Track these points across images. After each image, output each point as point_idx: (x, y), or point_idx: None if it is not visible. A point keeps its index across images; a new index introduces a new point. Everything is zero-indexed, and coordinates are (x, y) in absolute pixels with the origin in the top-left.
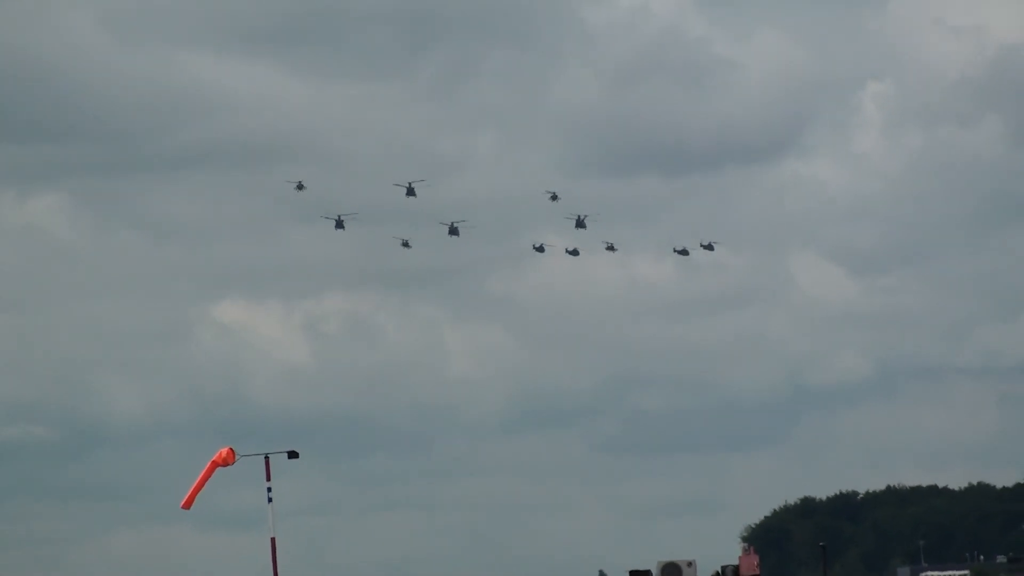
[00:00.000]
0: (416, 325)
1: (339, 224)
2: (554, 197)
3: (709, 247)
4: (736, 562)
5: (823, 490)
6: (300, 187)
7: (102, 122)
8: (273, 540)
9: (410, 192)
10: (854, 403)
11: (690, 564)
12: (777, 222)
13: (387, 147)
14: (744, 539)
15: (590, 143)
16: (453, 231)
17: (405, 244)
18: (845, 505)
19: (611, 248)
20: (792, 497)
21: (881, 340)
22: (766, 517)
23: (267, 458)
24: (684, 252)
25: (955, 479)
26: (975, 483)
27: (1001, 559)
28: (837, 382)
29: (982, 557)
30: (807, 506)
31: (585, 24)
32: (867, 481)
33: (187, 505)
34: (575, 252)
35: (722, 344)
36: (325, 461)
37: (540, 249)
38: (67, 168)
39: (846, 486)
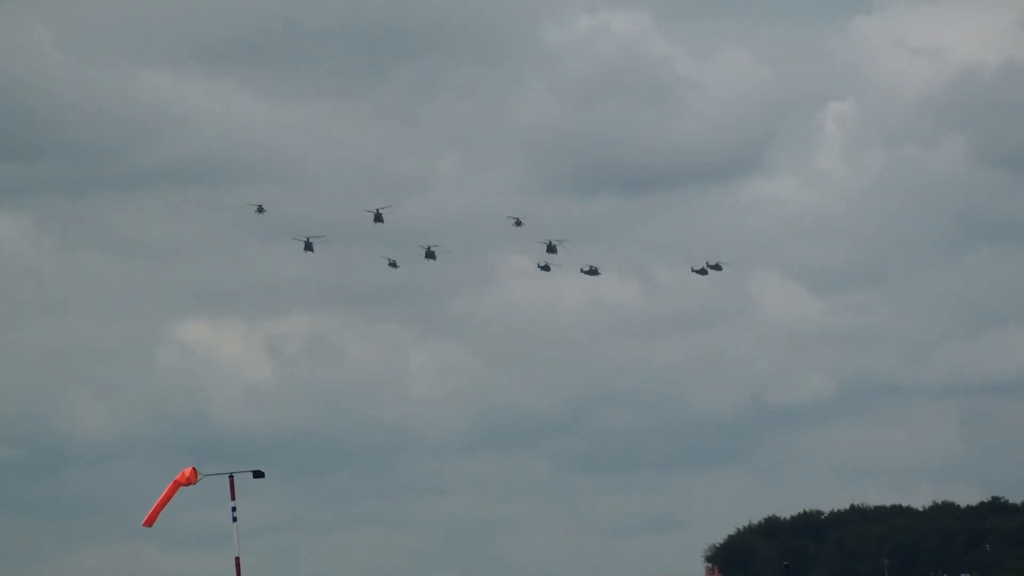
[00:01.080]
0: (379, 344)
1: (308, 246)
2: (518, 223)
3: (717, 267)
4: None
5: (787, 509)
6: (260, 210)
7: (65, 142)
8: (238, 559)
9: (378, 218)
10: (818, 422)
11: None
12: (740, 242)
13: (349, 166)
14: (708, 558)
15: (552, 162)
16: (430, 255)
17: (392, 264)
18: (809, 524)
19: (593, 272)
20: (756, 516)
21: (845, 359)
22: (730, 536)
23: (231, 477)
24: (703, 271)
25: (919, 498)
26: (939, 502)
27: None
28: (801, 401)
29: (946, 575)
30: (771, 525)
31: (547, 44)
32: (832, 500)
33: (149, 523)
34: (546, 267)
35: (686, 363)
36: (289, 480)
37: (546, 268)
38: (30, 187)
39: (810, 505)
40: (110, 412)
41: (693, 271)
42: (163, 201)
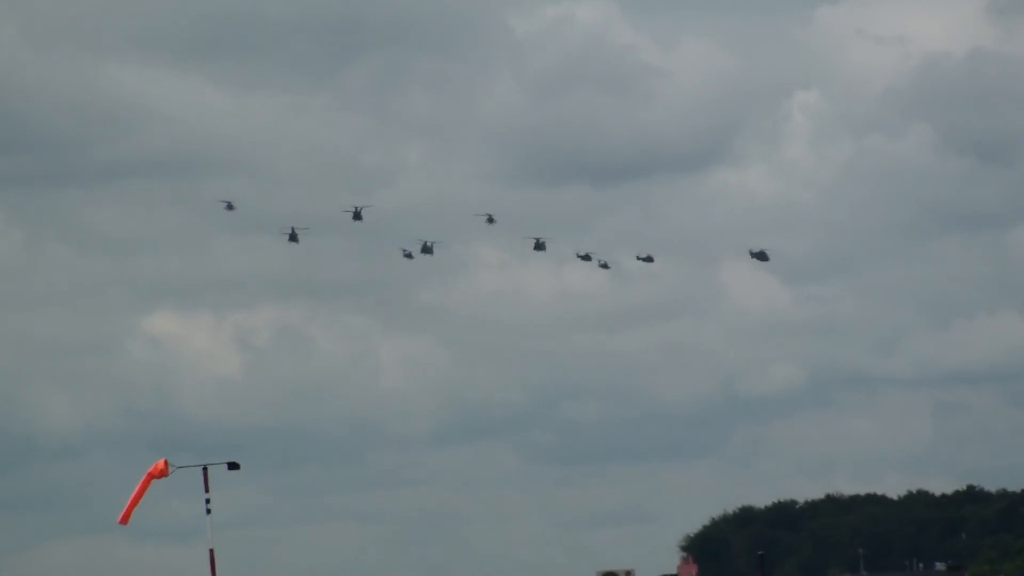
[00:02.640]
0: (347, 336)
1: (293, 237)
2: (490, 220)
3: (648, 259)
4: (675, 571)
5: (761, 499)
6: (229, 207)
7: (29, 135)
8: (212, 551)
9: (357, 216)
10: (789, 412)
11: (628, 573)
12: (708, 231)
13: (316, 158)
14: (683, 549)
15: (520, 153)
16: (427, 250)
17: (408, 255)
18: (784, 514)
19: (586, 257)
20: (730, 506)
21: (814, 349)
22: (704, 526)
23: (205, 469)
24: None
25: (891, 487)
26: (914, 491)
27: (940, 566)
28: (771, 391)
29: (921, 565)
30: (746, 515)
31: (513, 33)
32: (806, 490)
33: (124, 520)
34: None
35: (655, 354)
36: (258, 472)
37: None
38: None
39: (784, 495)
40: (77, 406)
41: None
42: (130, 194)
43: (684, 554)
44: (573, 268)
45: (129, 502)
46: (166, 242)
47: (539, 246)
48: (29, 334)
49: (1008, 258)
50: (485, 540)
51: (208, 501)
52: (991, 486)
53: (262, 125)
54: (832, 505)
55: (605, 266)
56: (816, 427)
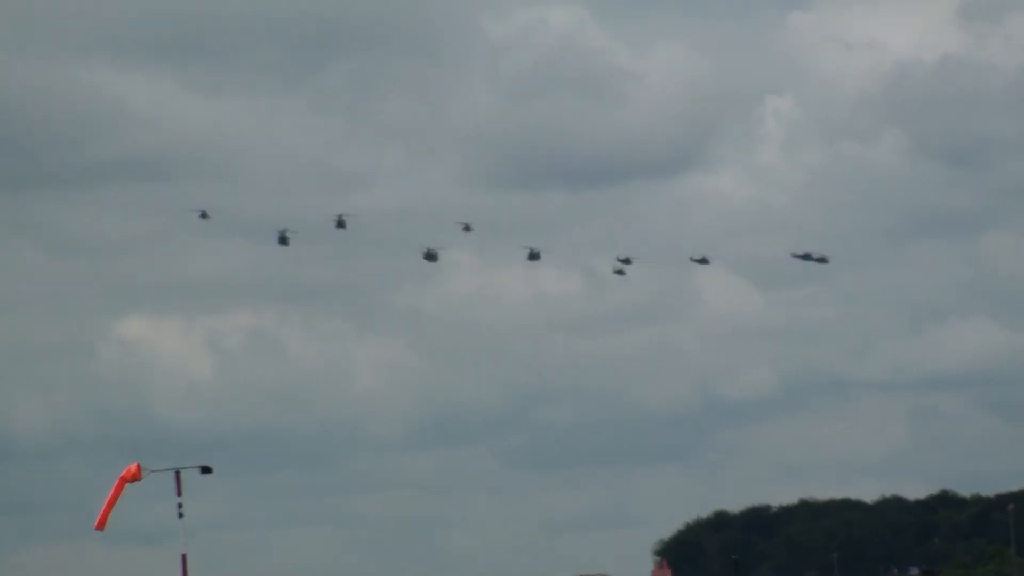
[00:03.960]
0: (321, 340)
1: (283, 240)
2: (467, 228)
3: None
4: None
5: (736, 504)
6: (204, 216)
7: (1, 137)
8: (184, 556)
9: (340, 225)
10: (763, 417)
11: None
12: (683, 235)
13: (290, 162)
14: (657, 553)
15: (495, 156)
16: (431, 256)
17: (429, 256)
18: (758, 519)
19: (625, 264)
20: (704, 511)
21: (789, 354)
22: (679, 531)
23: (178, 473)
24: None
25: (865, 492)
26: (888, 496)
27: (914, 571)
28: (746, 396)
29: (895, 569)
30: (720, 520)
31: (487, 36)
32: (780, 495)
33: (100, 526)
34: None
35: (630, 358)
36: (232, 477)
37: (621, 272)
38: None
39: (759, 500)
40: (50, 409)
41: (618, 261)
42: (103, 197)
43: (659, 558)
44: (549, 271)
45: (104, 508)
46: (139, 245)
47: (533, 256)
48: (1, 337)
49: (981, 263)
50: (460, 544)
51: (181, 505)
52: (965, 491)
53: (237, 128)
54: (806, 510)
55: (621, 272)
56: (791, 432)
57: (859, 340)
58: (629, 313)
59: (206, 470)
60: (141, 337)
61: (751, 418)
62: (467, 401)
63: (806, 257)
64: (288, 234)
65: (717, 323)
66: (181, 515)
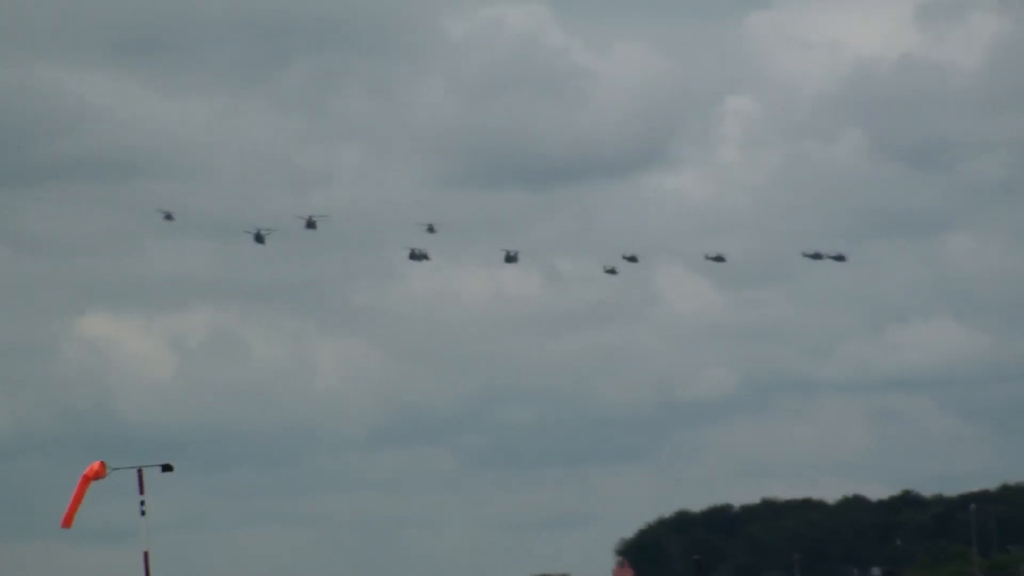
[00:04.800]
0: (281, 339)
1: (258, 239)
2: (431, 229)
3: (633, 259)
4: None
5: (697, 504)
6: (169, 217)
7: None
8: (146, 554)
9: (310, 225)
10: (724, 417)
11: None
12: (643, 235)
13: (251, 160)
14: (618, 553)
15: (455, 155)
16: (419, 256)
17: (415, 256)
18: (720, 519)
19: (632, 259)
20: (666, 511)
21: (749, 354)
22: (640, 531)
23: (140, 471)
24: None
25: (827, 492)
26: (850, 496)
27: (876, 572)
28: (707, 396)
29: (857, 570)
30: (682, 520)
31: (448, 35)
32: (742, 495)
33: (67, 523)
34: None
35: (591, 357)
36: (193, 475)
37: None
38: None
39: (720, 500)
40: (11, 407)
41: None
42: (64, 195)
43: (620, 558)
44: (509, 271)
45: (70, 505)
46: (100, 244)
47: (510, 258)
48: None
49: (942, 263)
50: (421, 543)
51: (143, 503)
52: (927, 492)
53: (197, 127)
54: (768, 510)
55: (613, 271)
56: (752, 432)
57: (820, 340)
58: (590, 312)
59: (167, 468)
60: (102, 335)
61: (712, 418)
62: (428, 400)
63: (816, 256)
64: (264, 232)
65: (678, 323)
66: (143, 513)
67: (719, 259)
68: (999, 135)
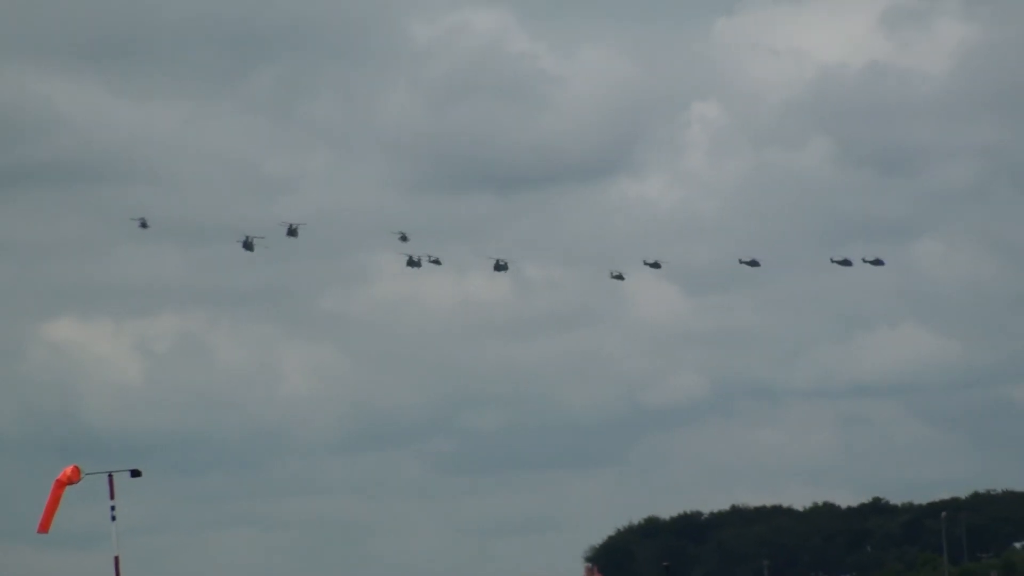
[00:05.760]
0: (249, 344)
1: (247, 246)
2: (403, 238)
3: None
4: None
5: (667, 510)
6: (144, 225)
7: None
8: (117, 558)
9: (292, 233)
10: (693, 423)
11: None
12: (609, 241)
13: (217, 165)
14: (587, 559)
15: (421, 160)
16: (415, 263)
17: (412, 263)
18: (689, 525)
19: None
20: (635, 516)
21: (717, 360)
22: (609, 537)
23: (111, 476)
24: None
25: (796, 499)
26: (820, 503)
27: None
28: (675, 401)
29: None
30: (651, 526)
31: (413, 40)
32: (710, 501)
33: (43, 529)
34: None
35: (559, 363)
36: (161, 480)
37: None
38: None
39: (689, 506)
40: None
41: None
42: (31, 200)
43: (589, 564)
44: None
45: (45, 511)
46: (67, 248)
47: (500, 267)
48: None
49: (909, 270)
50: (388, 549)
51: (113, 508)
52: (897, 499)
53: (164, 131)
54: (738, 516)
55: (620, 276)
56: (721, 438)
57: (788, 346)
58: (557, 318)
59: (135, 474)
60: (69, 340)
61: (681, 424)
62: (395, 406)
63: (753, 263)
64: (252, 240)
65: (645, 328)
66: (114, 518)
67: (753, 263)
68: (966, 142)
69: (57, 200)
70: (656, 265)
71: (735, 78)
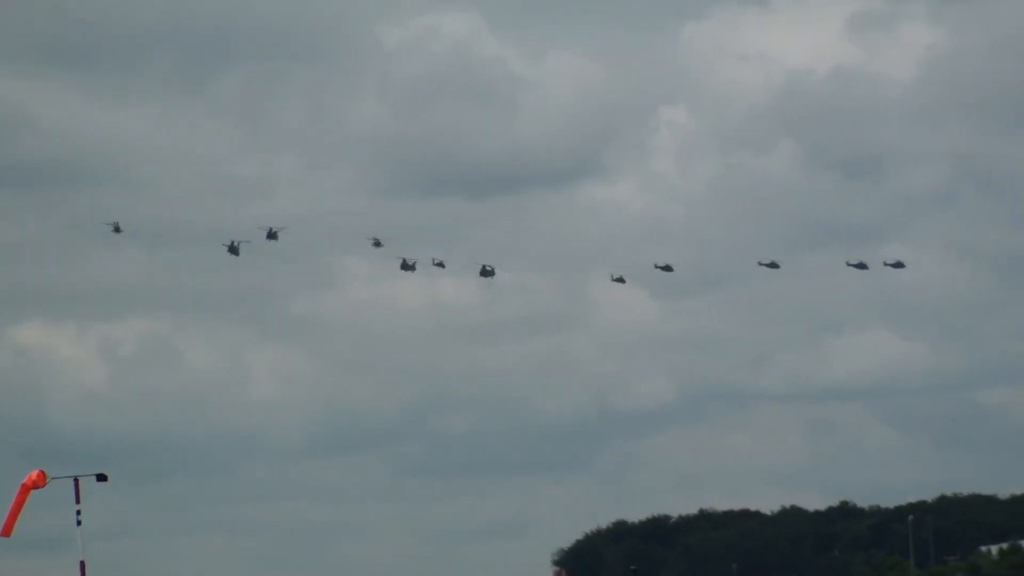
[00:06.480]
0: (217, 347)
1: (232, 250)
2: (377, 243)
3: (667, 268)
4: None
5: (635, 514)
6: (117, 229)
7: None
8: (83, 563)
9: (271, 236)
10: (661, 427)
11: None
12: (579, 245)
13: (187, 169)
14: (556, 563)
15: (391, 164)
16: (408, 267)
17: (405, 266)
18: (657, 528)
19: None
20: (604, 521)
21: (686, 364)
22: (578, 540)
23: (76, 480)
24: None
25: (764, 503)
26: (788, 506)
27: None
28: (643, 406)
29: None
30: (619, 530)
31: (382, 43)
32: (679, 505)
33: (6, 532)
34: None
35: (527, 367)
36: (127, 484)
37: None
38: None
39: (658, 510)
40: None
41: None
42: None
43: (557, 568)
44: (447, 280)
45: (8, 514)
46: (33, 252)
47: (486, 272)
48: None
49: (877, 274)
50: (357, 553)
51: (79, 512)
52: (864, 502)
53: (133, 135)
54: (706, 520)
55: (620, 280)
56: (689, 442)
57: (755, 350)
58: (527, 322)
59: (101, 478)
60: (34, 343)
61: (649, 428)
62: (364, 409)
63: (772, 265)
64: (238, 244)
65: (614, 332)
66: (79, 522)
67: (667, 268)
68: (933, 146)
69: (24, 204)
70: (621, 280)
71: (704, 83)
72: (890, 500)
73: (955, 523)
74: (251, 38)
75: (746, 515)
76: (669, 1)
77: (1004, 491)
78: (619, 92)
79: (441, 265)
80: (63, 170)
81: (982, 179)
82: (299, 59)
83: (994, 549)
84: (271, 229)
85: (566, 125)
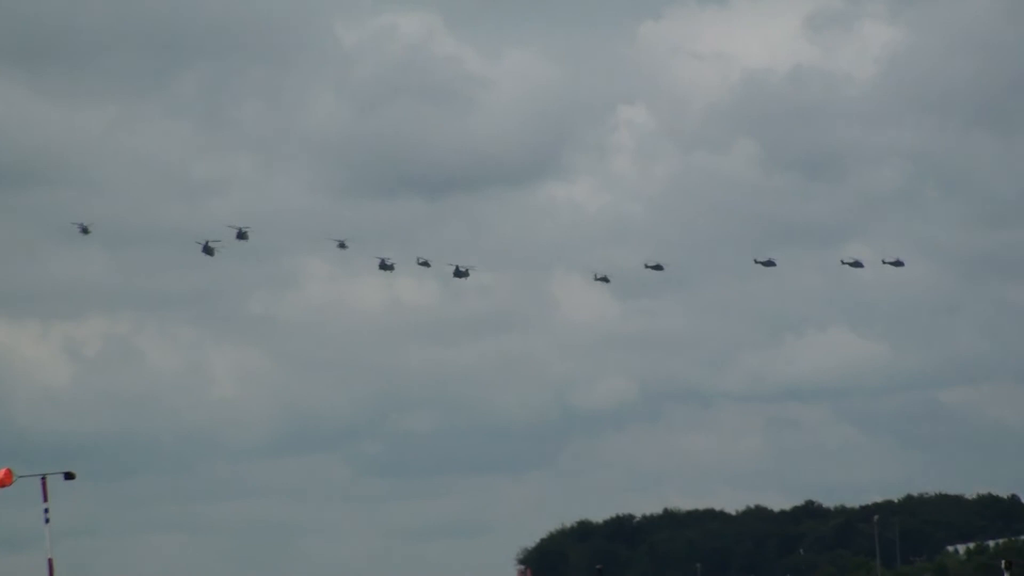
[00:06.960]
0: (177, 347)
1: (207, 251)
2: (342, 245)
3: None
4: None
5: (599, 513)
6: (85, 231)
7: None
8: (51, 560)
9: (241, 236)
10: (624, 426)
11: None
12: (538, 244)
13: (145, 168)
14: (520, 562)
15: (349, 163)
16: (387, 267)
17: (387, 267)
18: (622, 528)
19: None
20: (568, 520)
21: (646, 363)
22: (542, 540)
23: (44, 479)
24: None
25: (727, 502)
26: (752, 506)
27: None
28: (604, 405)
29: None
30: (584, 529)
31: (340, 43)
32: (641, 504)
33: None
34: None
35: (488, 366)
36: (91, 483)
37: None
38: None
39: (621, 509)
40: None
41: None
42: None
43: (522, 567)
44: (406, 279)
45: None
46: None
47: (460, 273)
48: None
49: (837, 273)
50: (318, 552)
51: (47, 511)
52: (829, 502)
53: (89, 135)
54: (670, 520)
55: (605, 279)
56: (652, 442)
57: (717, 350)
58: (486, 321)
59: (69, 476)
60: None
61: (612, 427)
62: (324, 409)
63: (768, 263)
64: (213, 245)
65: (574, 332)
66: (47, 520)
67: (658, 268)
68: (892, 145)
69: None
70: (605, 279)
71: (661, 82)
72: (855, 500)
73: (921, 523)
74: (208, 37)
75: (710, 515)
76: (627, 0)
77: (970, 491)
78: (577, 91)
79: (426, 264)
80: (20, 169)
81: (941, 177)
82: (256, 59)
83: (961, 549)
84: (240, 229)
85: (524, 124)
